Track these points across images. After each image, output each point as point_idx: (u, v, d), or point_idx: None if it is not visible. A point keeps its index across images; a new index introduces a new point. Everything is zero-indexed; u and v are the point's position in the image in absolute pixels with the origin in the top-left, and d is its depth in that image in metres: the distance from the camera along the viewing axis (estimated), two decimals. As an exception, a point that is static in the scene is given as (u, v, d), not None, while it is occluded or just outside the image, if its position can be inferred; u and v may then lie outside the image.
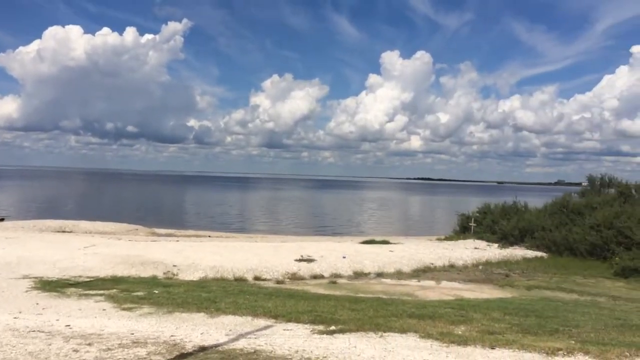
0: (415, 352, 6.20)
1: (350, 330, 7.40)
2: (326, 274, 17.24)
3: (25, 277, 13.26)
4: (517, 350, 6.37)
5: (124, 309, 9.22)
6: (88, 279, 13.36)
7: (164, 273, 15.65)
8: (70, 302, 10.00)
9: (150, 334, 7.00)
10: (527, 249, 25.37)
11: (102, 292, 11.14)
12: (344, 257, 19.85)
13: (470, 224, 31.26)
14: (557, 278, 18.49)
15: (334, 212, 66.94)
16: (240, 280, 15.46)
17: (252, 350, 6.14)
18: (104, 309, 9.24)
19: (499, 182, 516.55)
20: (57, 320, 7.96)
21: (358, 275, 17.56)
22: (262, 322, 8.17)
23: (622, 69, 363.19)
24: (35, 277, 13.19)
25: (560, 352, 6.30)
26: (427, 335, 7.11)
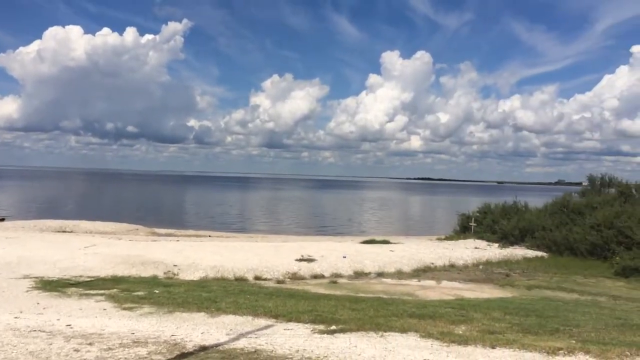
0: (416, 352, 6.20)
1: (350, 330, 7.40)
2: (327, 274, 17.24)
3: (25, 277, 13.26)
4: (517, 349, 6.37)
5: (124, 309, 9.23)
6: (89, 279, 13.36)
7: (165, 273, 15.66)
8: (71, 301, 10.00)
9: (151, 334, 7.00)
10: (528, 248, 25.37)
11: (102, 291, 11.14)
12: (345, 257, 19.85)
13: (471, 224, 31.26)
14: (558, 278, 18.49)
15: (335, 212, 66.94)
16: (240, 280, 15.46)
17: (253, 350, 6.15)
18: (104, 309, 9.25)
19: (499, 182, 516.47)
20: (58, 319, 7.96)
21: (358, 275, 17.57)
22: (262, 321, 8.17)
23: (622, 69, 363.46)
24: (36, 277, 13.19)
25: (560, 351, 6.30)
26: (427, 335, 7.11)
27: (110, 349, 6.16)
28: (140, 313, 8.84)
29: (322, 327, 7.67)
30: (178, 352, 6.04)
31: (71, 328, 7.30)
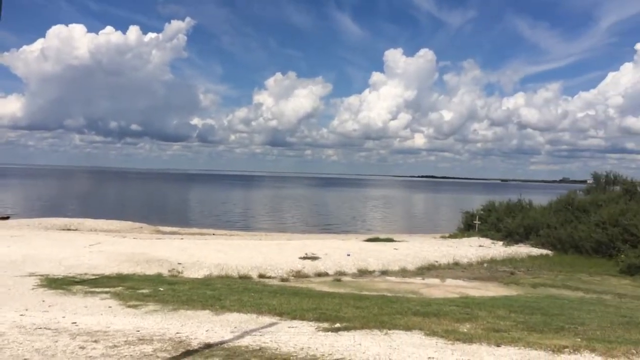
0: (421, 350, 6.19)
1: (355, 328, 7.40)
2: (330, 272, 17.25)
3: (31, 274, 13.31)
4: (522, 348, 6.36)
5: (129, 307, 9.25)
6: (94, 277, 13.39)
7: (169, 271, 15.69)
8: (76, 299, 10.03)
9: (156, 331, 7.02)
10: (532, 246, 25.30)
11: (107, 289, 11.17)
12: (349, 255, 19.85)
13: (475, 222, 31.18)
14: (563, 276, 18.44)
15: (338, 210, 66.93)
16: (244, 278, 15.48)
17: (258, 348, 6.16)
18: (109, 307, 9.27)
19: (503, 180, 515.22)
20: (64, 317, 7.99)
21: (362, 272, 17.57)
22: (267, 319, 8.18)
23: (627, 66, 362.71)
24: (41, 275, 13.23)
25: (566, 349, 6.29)
26: (432, 333, 7.10)
27: (115, 346, 6.18)
28: (145, 311, 8.86)
29: (326, 324, 7.68)
30: (183, 350, 6.06)
31: (77, 325, 7.33)
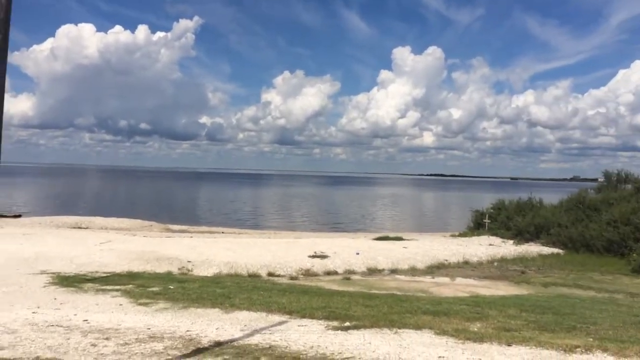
0: (431, 349, 6.17)
1: (364, 327, 7.39)
2: (340, 270, 17.24)
3: (43, 272, 13.42)
4: (534, 347, 6.32)
5: (140, 304, 9.30)
6: (104, 275, 13.48)
7: (179, 269, 15.76)
8: (88, 297, 10.10)
9: (167, 329, 7.06)
10: (543, 245, 25.14)
11: (118, 287, 11.24)
12: (358, 254, 19.83)
13: (485, 220, 31.03)
14: (574, 275, 18.30)
15: (347, 208, 66.87)
16: (254, 276, 15.51)
17: (267, 346, 6.16)
18: (120, 304, 9.32)
19: (512, 178, 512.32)
20: (75, 315, 8.05)
21: (372, 271, 17.54)
22: (276, 317, 8.19)
23: (638, 63, 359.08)
24: (53, 273, 13.34)
25: (578, 349, 6.24)
26: (442, 332, 7.08)
27: (126, 343, 6.22)
28: (156, 308, 8.91)
29: (335, 323, 7.67)
30: (194, 348, 6.08)
31: (88, 323, 7.38)
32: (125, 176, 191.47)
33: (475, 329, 7.38)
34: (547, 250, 23.94)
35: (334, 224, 44.01)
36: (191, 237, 26.41)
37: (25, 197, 62.79)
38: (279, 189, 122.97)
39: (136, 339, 6.47)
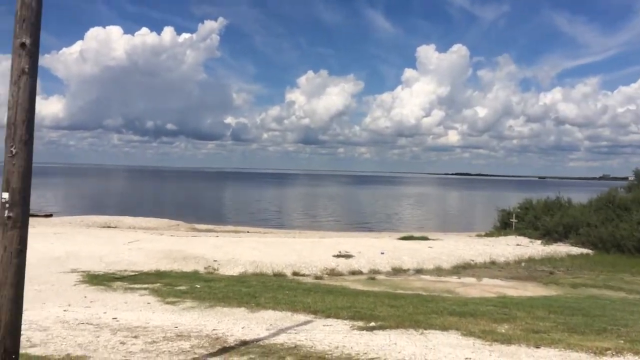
0: (457, 350, 6.11)
1: (390, 327, 7.36)
2: (364, 270, 17.19)
3: (73, 271, 13.72)
4: (563, 349, 6.20)
5: (167, 303, 9.44)
6: (133, 273, 13.72)
7: (205, 268, 15.93)
8: (117, 295, 10.30)
9: (193, 328, 7.14)
10: (572, 245, 24.63)
11: (146, 286, 11.43)
12: (382, 253, 19.74)
13: (512, 220, 30.55)
14: (604, 275, 17.89)
15: (372, 208, 66.67)
16: (279, 275, 15.58)
17: (293, 345, 6.19)
18: (148, 303, 9.48)
19: (540, 177, 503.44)
20: (105, 313, 8.21)
21: (397, 271, 17.44)
22: (301, 317, 8.21)
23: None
24: (83, 271, 13.63)
25: (608, 351, 6.11)
26: (469, 333, 7.00)
27: (154, 342, 6.32)
28: (183, 307, 9.03)
29: (361, 323, 7.65)
30: (220, 347, 6.14)
31: (117, 321, 7.52)
32: (153, 176, 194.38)
33: (503, 331, 7.28)
34: (576, 250, 23.46)
35: (359, 224, 43.91)
36: (217, 236, 26.67)
37: (56, 197, 64.29)
38: (304, 189, 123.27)
39: (164, 337, 6.57)
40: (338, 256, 18.89)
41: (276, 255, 18.30)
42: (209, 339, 6.52)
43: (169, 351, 5.91)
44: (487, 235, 30.16)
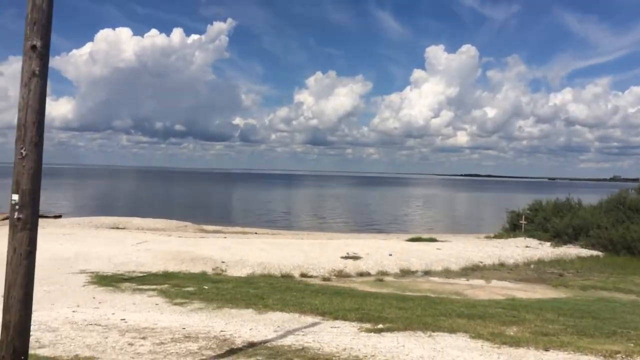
0: (466, 353, 6.08)
1: (398, 329, 7.34)
2: (372, 272, 17.15)
3: (82, 271, 13.80)
4: (572, 352, 6.16)
5: (175, 304, 9.46)
6: (141, 274, 13.77)
7: (213, 269, 15.96)
8: (125, 296, 10.34)
9: (201, 329, 7.16)
10: (582, 247, 24.44)
11: (154, 287, 11.47)
12: (390, 255, 19.70)
13: (521, 222, 30.37)
14: (614, 278, 17.74)
15: (380, 209, 66.55)
16: (286, 277, 15.58)
17: (300, 347, 6.18)
18: (156, 304, 9.51)
19: (550, 178, 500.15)
20: (113, 314, 8.25)
21: (405, 273, 17.39)
22: (309, 319, 8.21)
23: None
24: (92, 272, 13.70)
25: (618, 355, 6.05)
26: (477, 336, 6.97)
27: (162, 343, 6.34)
28: (191, 308, 9.05)
29: (368, 325, 7.64)
30: (227, 348, 6.15)
31: (125, 322, 7.55)
32: (161, 177, 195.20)
33: (512, 333, 7.24)
34: (586, 252, 23.27)
35: (367, 225, 43.83)
36: (225, 237, 26.73)
37: (65, 197, 64.72)
38: (312, 190, 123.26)
39: (172, 338, 6.59)
40: (346, 257, 18.87)
41: (284, 257, 18.31)
42: (216, 340, 6.53)
43: (177, 352, 5.92)
44: (496, 237, 30.01)
